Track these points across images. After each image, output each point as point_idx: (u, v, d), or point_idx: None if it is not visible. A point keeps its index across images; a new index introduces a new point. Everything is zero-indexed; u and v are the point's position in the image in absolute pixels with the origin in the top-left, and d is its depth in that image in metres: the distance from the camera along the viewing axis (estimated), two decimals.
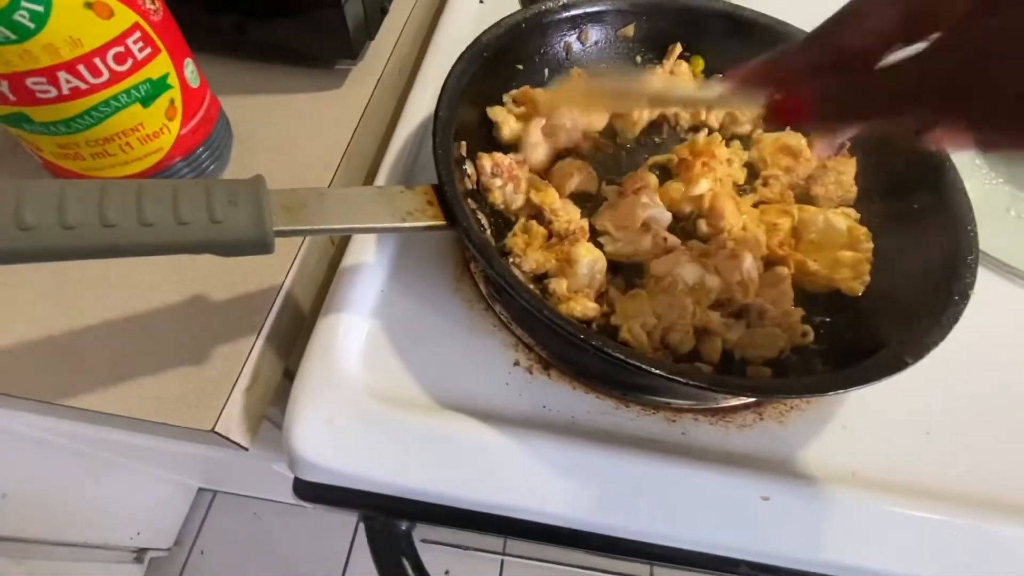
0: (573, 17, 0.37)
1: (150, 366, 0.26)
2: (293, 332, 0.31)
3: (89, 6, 0.22)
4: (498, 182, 0.31)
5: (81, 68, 0.23)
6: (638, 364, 0.22)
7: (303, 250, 0.31)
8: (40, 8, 0.21)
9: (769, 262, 0.30)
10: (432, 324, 0.31)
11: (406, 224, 0.25)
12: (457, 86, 0.31)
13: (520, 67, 0.37)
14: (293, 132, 0.36)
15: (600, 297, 0.30)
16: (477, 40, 0.33)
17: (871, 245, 0.28)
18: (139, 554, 1.05)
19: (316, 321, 0.30)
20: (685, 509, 0.27)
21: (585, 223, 0.31)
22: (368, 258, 0.31)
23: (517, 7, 0.50)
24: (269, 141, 0.36)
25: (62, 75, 0.23)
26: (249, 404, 0.28)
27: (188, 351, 0.27)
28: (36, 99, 0.23)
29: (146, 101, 0.26)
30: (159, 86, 0.26)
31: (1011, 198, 0.41)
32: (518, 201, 0.32)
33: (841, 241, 0.28)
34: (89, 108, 0.24)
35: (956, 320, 0.24)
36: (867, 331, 0.27)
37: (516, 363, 0.30)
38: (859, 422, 0.29)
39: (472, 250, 0.25)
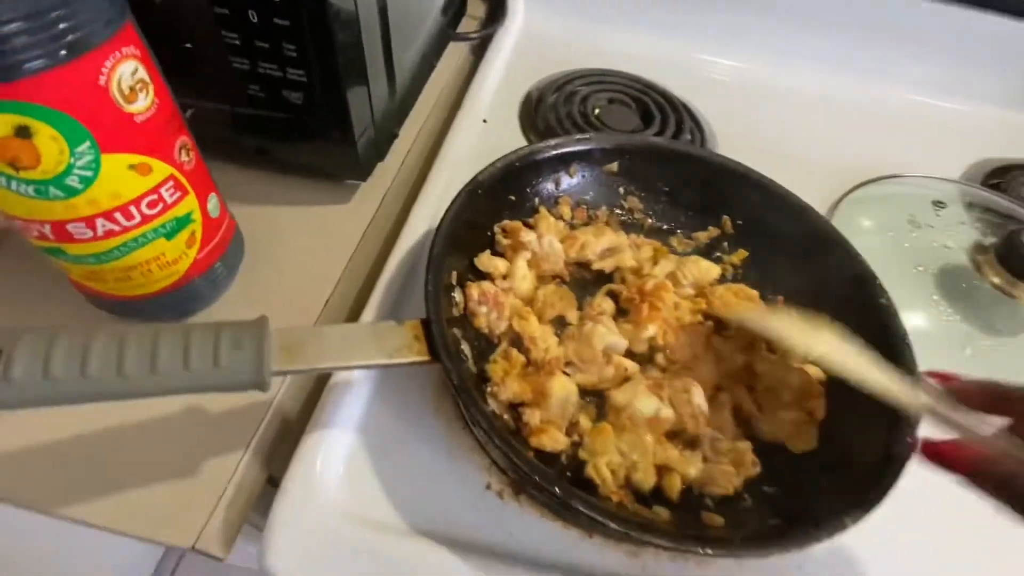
0: (562, 155, 0.42)
1: (140, 478, 0.28)
2: (279, 439, 0.33)
3: (132, 167, 0.25)
4: (484, 309, 0.34)
5: (117, 215, 0.26)
6: (603, 520, 0.24)
7: None
8: (90, 173, 0.24)
9: (717, 389, 0.33)
10: (412, 441, 0.33)
11: (393, 360, 0.28)
12: (453, 224, 0.34)
13: (512, 198, 0.40)
14: (301, 242, 0.40)
15: (571, 427, 0.32)
16: (474, 179, 0.37)
17: (822, 403, 0.31)
18: None
19: (302, 433, 0.31)
20: None
21: (561, 352, 0.34)
22: (356, 374, 0.34)
23: (515, 125, 0.55)
24: (279, 250, 0.39)
25: (100, 221, 0.26)
26: (230, 516, 0.29)
27: (178, 464, 0.29)
28: (73, 239, 0.26)
29: (170, 235, 0.29)
30: (183, 222, 0.29)
31: (966, 336, 0.44)
32: (501, 327, 0.35)
33: (788, 397, 0.31)
34: (119, 245, 0.27)
35: (894, 483, 0.26)
36: (817, 484, 0.29)
37: (488, 487, 0.32)
38: (814, 570, 0.30)
39: (454, 390, 0.27)
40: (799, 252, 0.40)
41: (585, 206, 0.43)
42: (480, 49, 0.63)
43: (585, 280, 0.40)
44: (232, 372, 0.23)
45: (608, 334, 0.34)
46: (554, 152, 0.41)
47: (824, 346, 0.28)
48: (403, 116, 0.48)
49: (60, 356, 0.21)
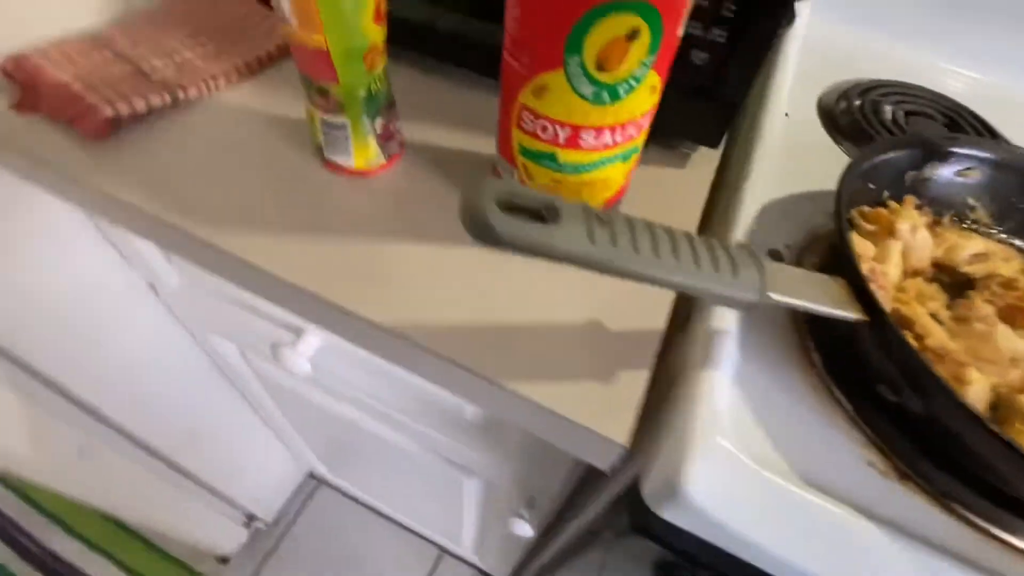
0: (939, 152, 0.40)
1: (566, 371, 0.30)
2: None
3: (652, 88, 0.28)
4: (873, 286, 0.34)
5: (619, 129, 0.29)
6: None
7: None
8: (635, 83, 0.26)
9: None
10: (779, 398, 0.33)
11: (839, 312, 0.28)
12: (847, 195, 0.34)
13: (871, 186, 0.40)
14: (652, 202, 0.41)
15: None
16: (864, 157, 0.37)
17: None
18: (248, 521, 1.11)
19: (686, 370, 0.33)
20: None
21: (954, 347, 0.32)
22: (727, 325, 0.34)
23: (815, 121, 0.55)
24: (636, 205, 0.40)
25: (607, 133, 0.28)
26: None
27: (595, 368, 0.31)
28: (575, 146, 0.29)
29: (624, 159, 0.31)
30: (632, 152, 0.32)
31: None
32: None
33: None
34: (600, 159, 0.30)
35: None
36: None
37: (870, 464, 0.31)
38: None
39: (898, 356, 0.27)
40: None
41: (930, 208, 0.41)
42: None
43: (942, 282, 0.38)
44: (736, 285, 0.25)
45: (1016, 338, 0.32)
46: (935, 147, 0.40)
47: None
48: None
49: (598, 226, 0.23)
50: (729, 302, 0.25)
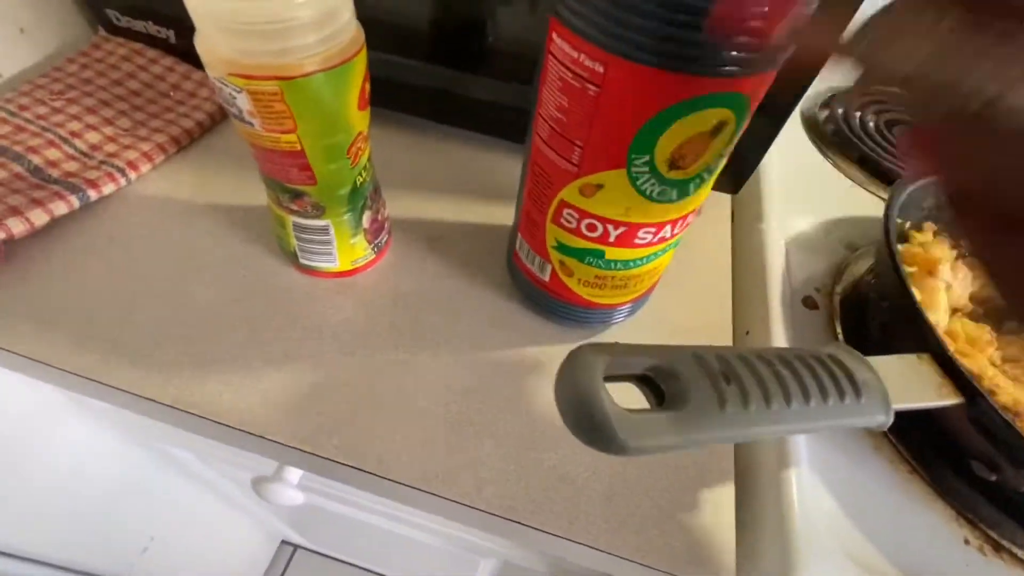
0: None
1: (641, 506, 0.26)
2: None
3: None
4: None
5: (680, 222, 0.24)
6: None
7: None
8: (708, 176, 0.22)
9: None
10: (855, 478, 0.30)
11: (944, 403, 0.25)
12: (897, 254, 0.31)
13: (898, 220, 0.38)
14: (683, 262, 0.36)
15: None
16: (892, 202, 0.34)
17: None
18: None
19: (762, 467, 0.29)
20: None
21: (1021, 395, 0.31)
22: None
23: (799, 130, 0.53)
24: (668, 269, 0.36)
25: (667, 227, 0.24)
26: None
27: (672, 496, 0.26)
28: (629, 243, 0.24)
29: (675, 247, 0.27)
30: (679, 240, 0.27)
31: None
32: None
33: None
34: (651, 253, 0.25)
35: None
36: None
37: (966, 541, 0.29)
38: None
39: (1007, 436, 0.25)
40: None
41: (947, 235, 0.40)
42: None
43: (976, 315, 0.37)
44: (863, 410, 0.21)
45: None
46: None
47: None
48: None
49: (724, 383, 0.19)
50: (849, 427, 0.21)
